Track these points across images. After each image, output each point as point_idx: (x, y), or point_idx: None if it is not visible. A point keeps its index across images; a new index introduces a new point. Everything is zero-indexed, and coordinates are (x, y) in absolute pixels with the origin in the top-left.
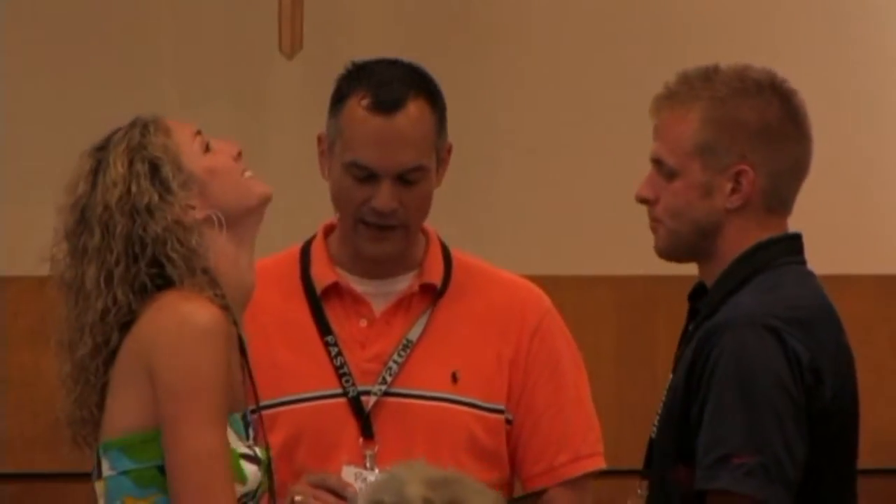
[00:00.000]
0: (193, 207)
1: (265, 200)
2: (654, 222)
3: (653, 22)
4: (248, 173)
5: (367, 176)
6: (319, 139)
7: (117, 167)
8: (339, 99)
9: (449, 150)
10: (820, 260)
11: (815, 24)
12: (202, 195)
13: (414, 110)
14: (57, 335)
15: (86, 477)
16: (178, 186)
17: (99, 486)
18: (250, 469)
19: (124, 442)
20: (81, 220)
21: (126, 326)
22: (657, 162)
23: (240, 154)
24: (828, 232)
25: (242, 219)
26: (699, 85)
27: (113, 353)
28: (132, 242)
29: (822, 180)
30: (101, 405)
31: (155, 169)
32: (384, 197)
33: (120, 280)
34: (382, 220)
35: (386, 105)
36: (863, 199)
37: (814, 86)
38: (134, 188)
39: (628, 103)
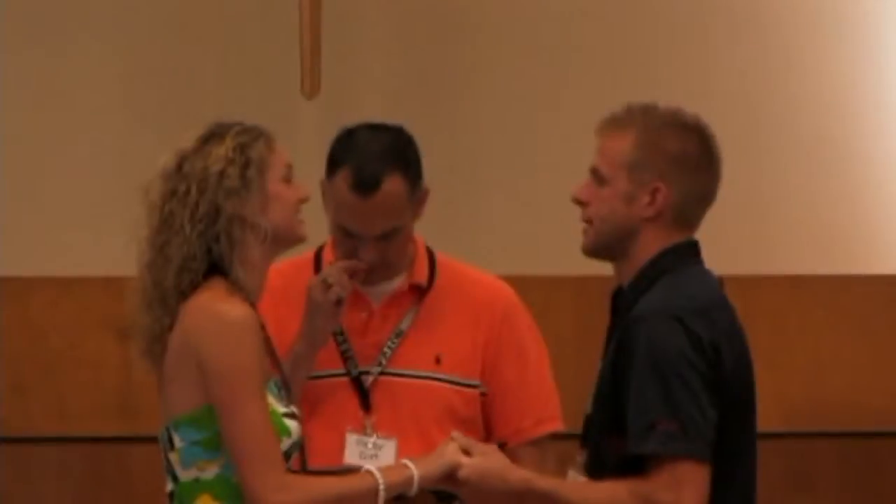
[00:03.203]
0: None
1: (298, 241)
2: (585, 223)
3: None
4: (300, 216)
5: (352, 235)
6: (322, 185)
7: (226, 149)
8: (332, 165)
9: (426, 194)
10: (735, 263)
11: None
12: (260, 206)
13: (387, 186)
14: (139, 247)
15: None
16: (254, 188)
17: (173, 456)
18: (292, 424)
19: (190, 417)
20: (179, 168)
21: (192, 285)
22: (594, 171)
23: (305, 199)
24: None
25: (277, 243)
26: (638, 114)
27: (183, 293)
28: (213, 209)
29: (739, 195)
30: (171, 328)
31: (246, 166)
32: (366, 253)
33: (199, 234)
34: (368, 265)
35: (363, 186)
36: (768, 208)
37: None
38: (229, 171)
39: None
